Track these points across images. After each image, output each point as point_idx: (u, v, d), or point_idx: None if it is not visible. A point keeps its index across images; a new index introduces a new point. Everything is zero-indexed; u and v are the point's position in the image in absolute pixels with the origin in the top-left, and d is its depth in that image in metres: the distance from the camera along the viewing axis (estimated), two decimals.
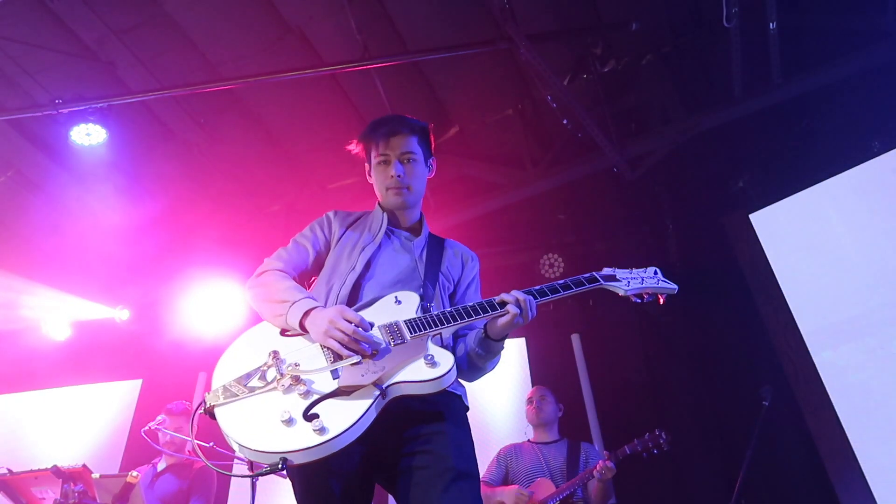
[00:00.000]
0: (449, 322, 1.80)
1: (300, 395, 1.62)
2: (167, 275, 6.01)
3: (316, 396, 1.62)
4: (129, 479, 3.38)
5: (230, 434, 1.60)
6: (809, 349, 4.26)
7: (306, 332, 1.77)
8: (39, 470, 3.33)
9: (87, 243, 5.90)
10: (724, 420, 4.70)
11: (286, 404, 1.61)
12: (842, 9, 4.48)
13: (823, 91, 4.57)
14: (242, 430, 1.59)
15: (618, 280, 2.06)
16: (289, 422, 1.57)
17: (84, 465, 3.33)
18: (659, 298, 2.10)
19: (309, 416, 1.58)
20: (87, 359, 6.24)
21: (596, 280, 2.04)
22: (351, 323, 1.70)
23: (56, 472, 3.24)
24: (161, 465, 4.12)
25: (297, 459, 1.55)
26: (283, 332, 1.84)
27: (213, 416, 1.64)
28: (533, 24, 4.43)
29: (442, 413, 1.80)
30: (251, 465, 1.64)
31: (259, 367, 1.70)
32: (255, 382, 1.67)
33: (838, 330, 4.25)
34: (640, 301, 2.09)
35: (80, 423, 6.02)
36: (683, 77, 4.99)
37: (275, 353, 1.71)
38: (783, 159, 4.79)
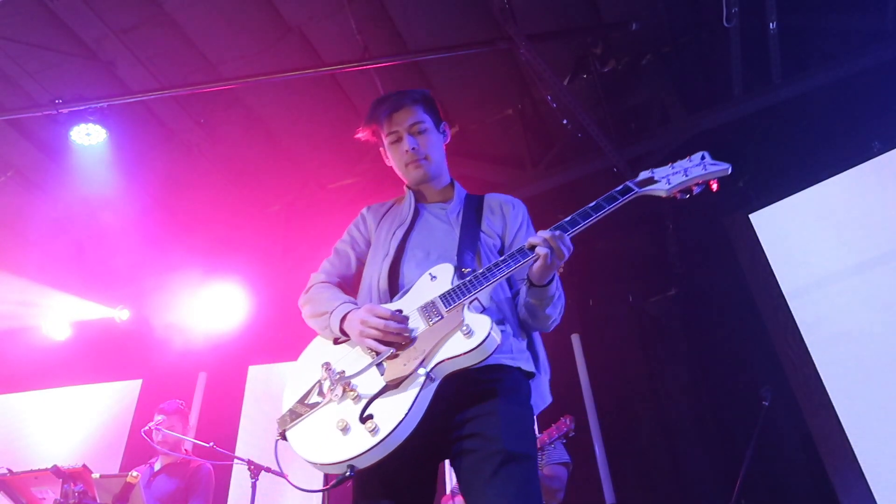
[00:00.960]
0: (480, 284, 1.71)
1: (352, 400, 1.63)
2: (167, 275, 6.01)
3: (367, 398, 1.61)
4: (129, 479, 3.38)
5: (301, 454, 1.62)
6: (809, 349, 4.25)
7: (349, 337, 1.77)
8: (39, 470, 3.33)
9: (86, 243, 5.90)
10: (724, 420, 4.69)
11: (342, 412, 1.62)
12: (842, 9, 4.48)
13: (823, 91, 4.56)
14: (309, 446, 1.62)
15: (656, 181, 1.87)
16: (345, 429, 1.58)
17: (84, 465, 3.32)
18: (711, 185, 1.88)
19: (364, 419, 1.57)
20: (87, 359, 6.24)
21: (630, 190, 1.84)
22: (381, 318, 1.69)
23: (56, 472, 3.24)
24: (158, 465, 4.13)
25: (362, 463, 1.55)
26: (336, 342, 1.83)
27: (286, 440, 1.67)
28: (533, 24, 4.42)
29: (494, 390, 1.71)
30: (326, 478, 1.64)
31: (316, 383, 1.71)
32: (314, 398, 1.69)
33: (839, 330, 4.24)
34: (688, 196, 1.87)
35: (80, 423, 6.03)
36: (683, 77, 4.98)
37: (327, 365, 1.72)
38: (783, 159, 4.78)
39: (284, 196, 6.06)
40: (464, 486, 1.64)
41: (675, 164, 1.90)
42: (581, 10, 4.62)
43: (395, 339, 1.67)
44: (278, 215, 6.16)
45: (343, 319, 1.78)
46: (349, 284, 2.04)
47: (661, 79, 5.03)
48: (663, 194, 1.87)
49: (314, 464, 1.60)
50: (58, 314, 6.08)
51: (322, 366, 1.72)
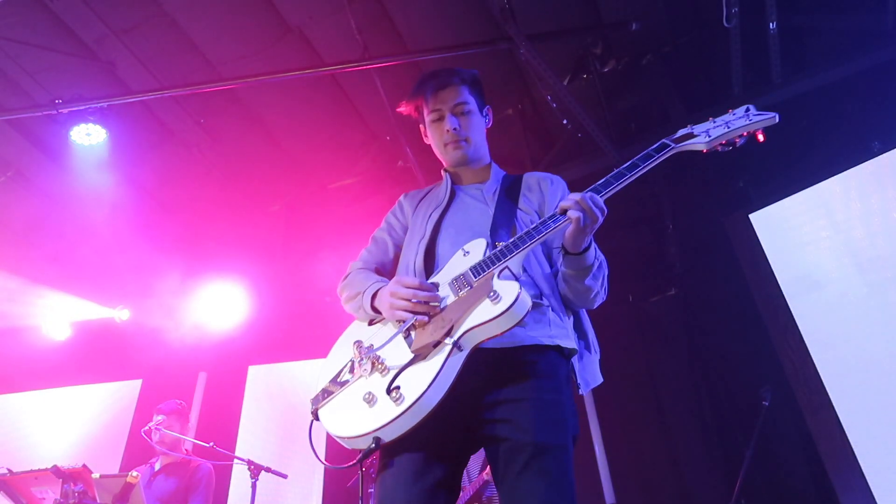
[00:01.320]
0: (511, 252, 1.67)
1: (381, 373, 1.62)
2: (167, 274, 6.02)
3: (395, 370, 1.60)
4: (129, 479, 3.38)
5: (329, 430, 1.61)
6: (809, 349, 4.25)
7: (382, 314, 1.77)
8: (39, 470, 3.33)
9: (87, 243, 5.90)
10: (724, 420, 4.70)
11: (370, 385, 1.62)
12: (842, 9, 4.48)
13: (823, 91, 4.56)
14: (336, 422, 1.62)
15: (695, 136, 1.82)
16: (372, 401, 1.57)
17: (84, 465, 3.32)
18: (757, 136, 1.84)
19: (390, 390, 1.56)
20: (87, 359, 6.25)
21: (666, 146, 1.79)
22: (409, 287, 1.68)
23: (56, 472, 3.24)
24: (158, 465, 4.14)
25: (388, 435, 1.53)
26: (371, 323, 1.83)
27: (319, 419, 1.67)
28: (533, 24, 4.42)
29: (527, 374, 1.65)
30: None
31: (348, 361, 1.72)
32: (345, 376, 1.69)
33: (838, 330, 4.24)
34: (730, 148, 1.82)
35: (80, 423, 6.03)
36: (683, 77, 4.98)
37: (358, 343, 1.71)
38: (783, 159, 4.78)
39: (285, 196, 6.06)
40: (496, 475, 1.63)
41: (716, 119, 1.85)
42: (581, 10, 4.62)
43: (425, 308, 1.66)
44: (278, 215, 6.16)
45: (374, 297, 1.78)
46: (388, 271, 2.03)
47: (661, 79, 5.03)
48: (703, 148, 1.82)
49: (341, 438, 1.59)
50: (58, 314, 6.09)
51: (354, 344, 1.72)
